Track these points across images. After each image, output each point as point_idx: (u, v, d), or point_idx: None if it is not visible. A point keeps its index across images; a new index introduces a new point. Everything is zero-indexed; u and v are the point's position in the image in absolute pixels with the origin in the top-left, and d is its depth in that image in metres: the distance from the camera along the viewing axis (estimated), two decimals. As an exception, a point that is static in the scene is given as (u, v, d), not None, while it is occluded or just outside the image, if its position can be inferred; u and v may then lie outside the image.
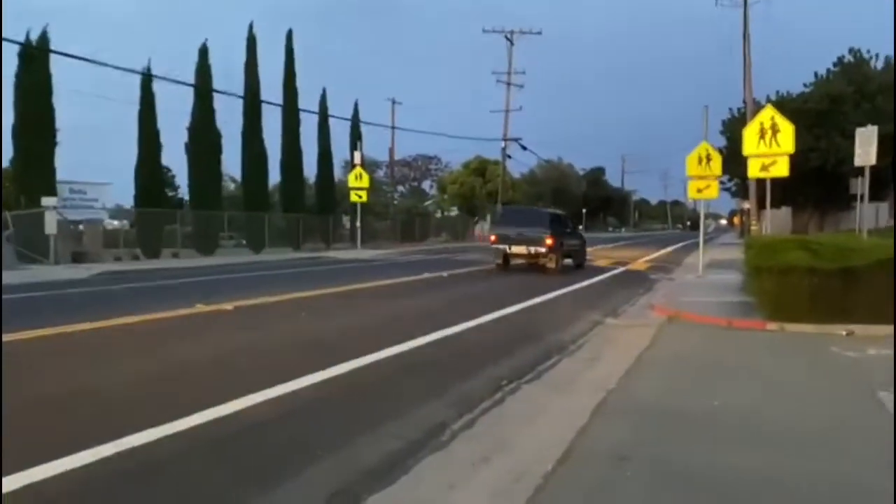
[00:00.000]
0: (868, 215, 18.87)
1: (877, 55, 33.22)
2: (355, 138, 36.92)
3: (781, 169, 13.07)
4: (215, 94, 27.40)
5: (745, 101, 29.83)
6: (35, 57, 22.09)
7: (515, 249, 18.66)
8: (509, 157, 47.80)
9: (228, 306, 10.33)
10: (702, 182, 16.22)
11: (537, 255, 18.31)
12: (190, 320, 9.32)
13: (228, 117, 29.97)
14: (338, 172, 42.02)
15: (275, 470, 3.72)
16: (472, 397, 5.27)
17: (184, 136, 27.32)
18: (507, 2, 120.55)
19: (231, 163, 35.54)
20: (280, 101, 31.44)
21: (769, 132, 12.91)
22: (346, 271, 19.41)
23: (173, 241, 26.18)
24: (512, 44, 45.67)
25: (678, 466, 3.75)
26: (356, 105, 37.58)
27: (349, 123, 37.33)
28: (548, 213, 20.19)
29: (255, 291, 12.44)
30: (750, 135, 13.29)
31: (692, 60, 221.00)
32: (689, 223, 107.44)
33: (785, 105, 26.77)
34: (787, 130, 13.02)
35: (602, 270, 20.05)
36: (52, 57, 22.48)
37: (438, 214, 58.00)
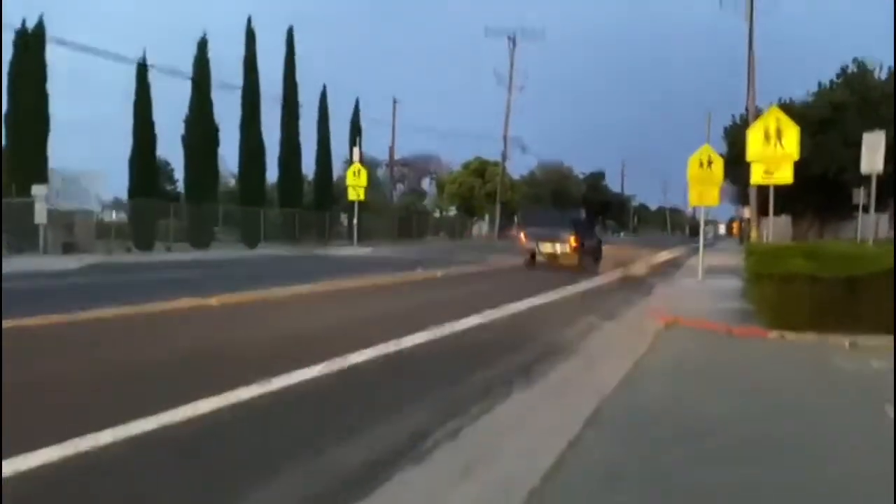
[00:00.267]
0: (868, 226, 18.65)
1: (881, 65, 33.08)
2: (355, 135, 36.76)
3: (785, 175, 12.79)
4: (213, 89, 27.21)
5: (747, 109, 29.62)
6: (30, 45, 21.86)
7: (543, 248, 20.14)
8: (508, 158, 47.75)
9: (214, 302, 10.12)
10: (703, 187, 15.98)
11: (562, 254, 19.87)
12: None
13: (229, 114, 29.75)
14: (338, 171, 41.87)
15: (244, 476, 3.46)
16: (458, 402, 5.02)
17: (182, 131, 27.11)
18: (509, 4, 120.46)
19: (232, 160, 35.33)
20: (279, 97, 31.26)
21: (774, 136, 12.62)
22: (338, 267, 19.16)
23: (168, 235, 25.94)
24: (514, 45, 45.57)
25: (675, 481, 3.50)
26: (357, 103, 37.45)
27: (349, 121, 37.19)
28: (570, 215, 22.56)
29: (243, 286, 12.20)
30: (754, 137, 12.99)
31: (694, 66, 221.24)
32: (688, 229, 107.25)
33: (787, 112, 26.53)
34: (791, 133, 12.72)
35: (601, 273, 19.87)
36: (48, 45, 22.27)
37: (437, 214, 57.93)
